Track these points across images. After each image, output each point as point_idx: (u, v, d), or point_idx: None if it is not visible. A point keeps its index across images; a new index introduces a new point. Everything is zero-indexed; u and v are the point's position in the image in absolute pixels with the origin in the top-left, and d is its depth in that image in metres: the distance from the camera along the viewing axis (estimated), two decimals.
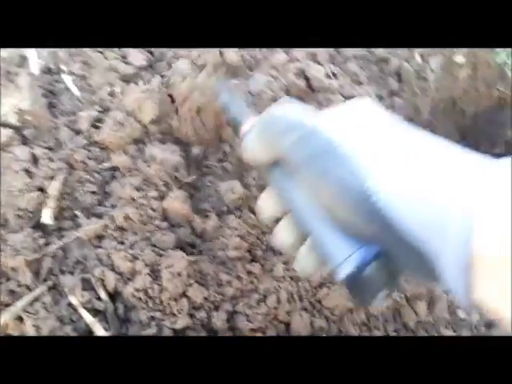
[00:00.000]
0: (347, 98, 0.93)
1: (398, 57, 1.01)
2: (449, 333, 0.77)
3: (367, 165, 0.37)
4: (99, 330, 0.63)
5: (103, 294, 0.66)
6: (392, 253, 0.37)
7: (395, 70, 1.00)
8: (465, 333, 0.77)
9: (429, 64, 1.01)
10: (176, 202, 0.70)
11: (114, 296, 0.67)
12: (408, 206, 0.34)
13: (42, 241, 0.67)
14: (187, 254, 0.68)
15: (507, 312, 0.29)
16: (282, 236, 0.46)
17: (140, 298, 0.65)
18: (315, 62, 0.95)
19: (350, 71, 0.98)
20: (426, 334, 0.76)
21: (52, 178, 0.70)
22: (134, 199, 0.70)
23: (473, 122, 1.12)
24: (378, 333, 0.72)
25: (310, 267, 0.45)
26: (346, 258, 0.38)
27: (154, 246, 0.68)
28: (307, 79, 0.91)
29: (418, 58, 1.02)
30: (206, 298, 0.67)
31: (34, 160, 0.71)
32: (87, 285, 0.66)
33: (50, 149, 0.73)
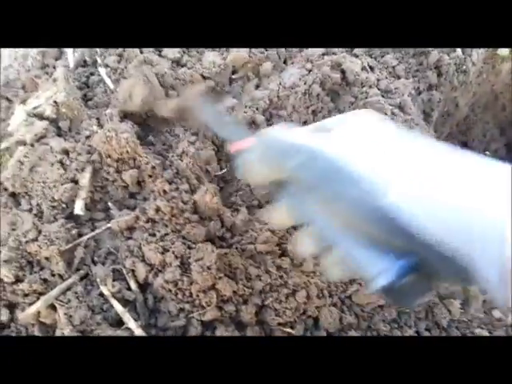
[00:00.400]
0: (384, 91, 0.91)
1: (437, 49, 0.98)
2: (484, 333, 0.75)
3: (383, 181, 0.35)
4: (129, 320, 0.64)
5: (134, 285, 0.67)
6: (426, 261, 0.36)
7: (434, 63, 0.97)
8: (500, 333, 0.75)
9: (470, 57, 0.98)
10: (207, 196, 0.70)
11: (144, 287, 0.68)
12: (434, 217, 0.33)
13: (75, 231, 0.68)
14: (217, 247, 0.68)
15: None
16: (303, 247, 0.45)
17: (170, 290, 0.65)
18: (352, 55, 0.94)
19: (388, 64, 0.96)
20: (458, 333, 0.73)
21: (83, 169, 0.71)
22: (165, 192, 0.70)
23: None
24: (409, 331, 0.70)
25: (341, 275, 0.43)
26: (380, 272, 0.37)
27: (185, 238, 0.68)
28: (343, 72, 0.89)
29: (459, 51, 0.99)
30: (234, 292, 0.67)
31: (68, 152, 0.72)
32: (118, 275, 0.67)
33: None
